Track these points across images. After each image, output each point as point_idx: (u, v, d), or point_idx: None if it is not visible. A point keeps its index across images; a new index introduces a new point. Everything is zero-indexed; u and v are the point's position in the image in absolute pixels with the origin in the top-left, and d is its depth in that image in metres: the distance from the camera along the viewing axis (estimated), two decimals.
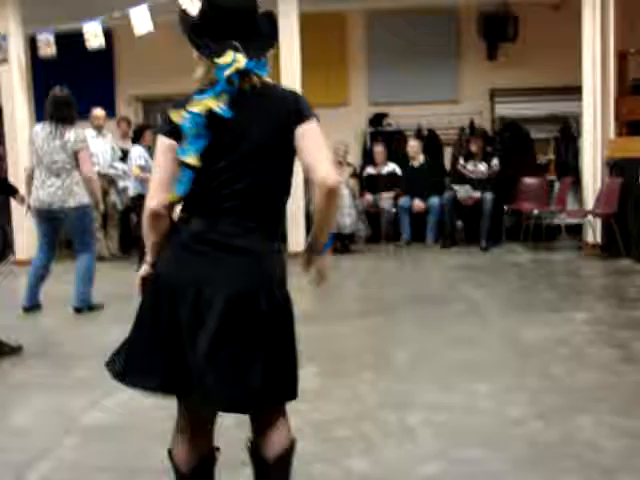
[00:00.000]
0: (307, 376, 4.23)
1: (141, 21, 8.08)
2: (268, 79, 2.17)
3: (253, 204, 2.12)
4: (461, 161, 9.53)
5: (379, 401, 3.81)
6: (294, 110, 2.12)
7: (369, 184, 9.91)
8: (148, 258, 2.20)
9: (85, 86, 10.56)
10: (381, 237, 9.67)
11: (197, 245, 2.10)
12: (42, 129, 6.16)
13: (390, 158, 9.93)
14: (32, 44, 9.15)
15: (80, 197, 6.07)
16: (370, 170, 10.01)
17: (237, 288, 2.06)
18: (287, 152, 2.15)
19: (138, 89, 11.10)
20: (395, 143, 10.24)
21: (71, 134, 6.04)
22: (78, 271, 6.24)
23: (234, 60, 2.06)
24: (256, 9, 2.18)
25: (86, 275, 6.28)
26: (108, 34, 8.70)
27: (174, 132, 2.09)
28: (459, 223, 9.63)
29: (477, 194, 9.14)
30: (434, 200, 9.42)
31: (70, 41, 8.55)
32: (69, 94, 6.21)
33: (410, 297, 6.42)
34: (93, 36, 8.35)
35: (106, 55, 9.90)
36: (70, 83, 10.61)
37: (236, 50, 2.07)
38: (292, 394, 2.21)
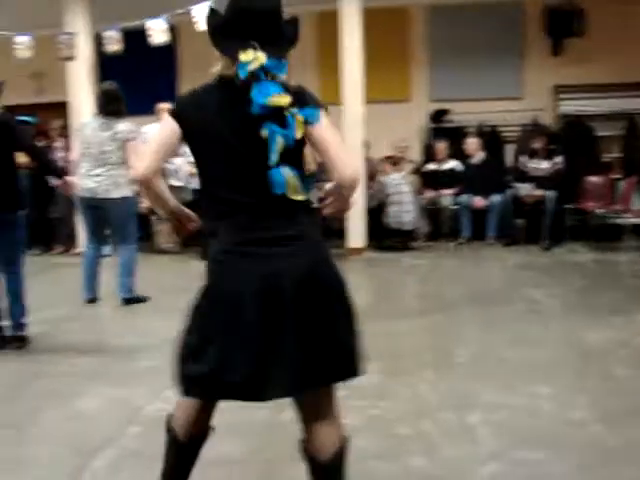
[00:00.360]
0: (367, 373, 4.25)
1: (203, 17, 8.16)
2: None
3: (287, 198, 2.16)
4: (523, 159, 9.38)
5: (439, 400, 3.79)
6: None
7: (429, 180, 9.83)
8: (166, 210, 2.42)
9: (148, 81, 10.77)
10: (441, 234, 9.59)
11: (246, 248, 2.17)
12: (91, 121, 6.32)
13: (452, 155, 9.83)
14: (98, 40, 9.33)
15: (124, 189, 6.17)
16: (431, 166, 9.94)
17: (301, 273, 2.16)
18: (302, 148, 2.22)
19: (200, 84, 11.21)
20: (456, 140, 10.12)
21: (121, 125, 6.15)
22: (120, 263, 6.38)
23: (255, 58, 2.13)
24: (280, 12, 2.26)
25: (127, 267, 6.38)
26: (171, 30, 8.80)
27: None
28: (520, 221, 9.47)
29: (539, 192, 8.99)
30: (495, 198, 9.29)
31: (134, 37, 8.72)
32: (118, 88, 6.34)
33: (470, 296, 6.35)
34: (158, 32, 8.48)
35: (169, 51, 10.01)
36: (134, 78, 10.86)
37: (255, 49, 2.14)
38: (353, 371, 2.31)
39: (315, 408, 2.29)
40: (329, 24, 9.69)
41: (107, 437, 3.38)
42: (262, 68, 2.13)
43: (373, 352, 4.66)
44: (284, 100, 2.12)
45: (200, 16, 8.07)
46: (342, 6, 8.66)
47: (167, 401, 3.82)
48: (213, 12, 2.27)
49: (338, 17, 8.68)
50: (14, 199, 5.07)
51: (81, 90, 9.27)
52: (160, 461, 3.10)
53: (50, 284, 7.45)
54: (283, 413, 3.20)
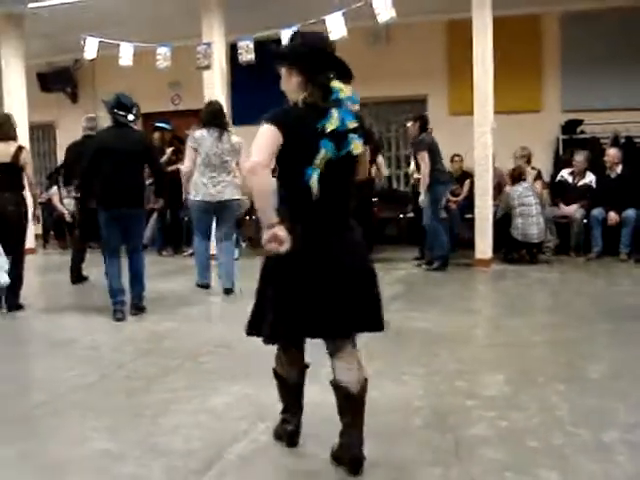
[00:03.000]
0: (496, 384, 4.19)
1: (336, 27, 8.30)
2: None
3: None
4: None
5: (571, 414, 3.66)
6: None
7: (561, 193, 9.55)
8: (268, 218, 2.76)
9: (279, 89, 11.01)
10: (570, 248, 9.29)
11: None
12: (207, 134, 6.93)
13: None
14: (233, 50, 9.63)
15: (239, 191, 7.15)
16: (565, 179, 9.64)
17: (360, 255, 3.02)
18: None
19: None
20: (590, 151, 9.76)
21: (234, 137, 7.06)
22: (228, 255, 7.19)
23: (341, 88, 2.91)
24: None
25: (233, 259, 7.30)
26: None
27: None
28: None
29: None
30: (630, 212, 8.91)
31: (266, 47, 8.93)
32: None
33: (602, 311, 6.12)
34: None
35: None
36: (265, 87, 11.12)
37: (335, 80, 2.94)
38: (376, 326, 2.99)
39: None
40: (458, 33, 9.63)
41: (239, 432, 3.48)
42: (347, 98, 2.91)
43: (503, 363, 4.63)
44: (353, 126, 2.90)
45: (332, 26, 8.21)
46: (473, 15, 8.57)
47: None
48: (301, 45, 3.00)
49: (469, 26, 8.58)
50: (142, 198, 6.42)
51: (216, 98, 9.56)
52: (290, 457, 3.18)
53: (184, 282, 7.79)
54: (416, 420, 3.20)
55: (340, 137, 2.87)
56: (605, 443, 3.27)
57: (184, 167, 7.15)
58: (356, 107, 2.95)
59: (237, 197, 7.14)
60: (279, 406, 3.35)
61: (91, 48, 9.40)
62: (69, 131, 10.07)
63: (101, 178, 6.19)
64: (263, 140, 2.82)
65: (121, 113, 6.26)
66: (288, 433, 3.27)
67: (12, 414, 3.88)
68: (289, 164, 2.90)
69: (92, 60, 9.82)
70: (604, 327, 5.56)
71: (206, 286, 7.32)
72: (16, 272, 6.32)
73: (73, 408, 3.96)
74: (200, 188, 6.92)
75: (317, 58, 2.95)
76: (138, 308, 6.41)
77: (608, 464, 3.07)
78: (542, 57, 10.56)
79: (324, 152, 2.81)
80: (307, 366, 3.25)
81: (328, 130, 2.83)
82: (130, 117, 6.31)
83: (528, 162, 9.60)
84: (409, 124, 8.98)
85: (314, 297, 2.84)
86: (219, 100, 7.37)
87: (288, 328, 2.91)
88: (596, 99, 10.07)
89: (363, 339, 3.07)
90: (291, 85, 3.03)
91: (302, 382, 3.25)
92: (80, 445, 3.39)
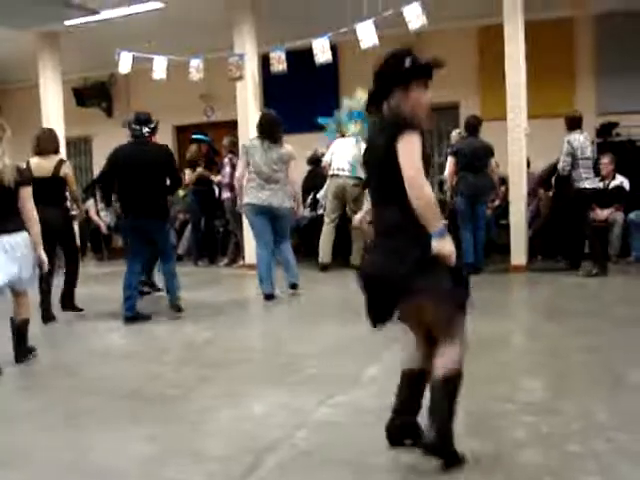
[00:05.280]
0: (533, 389, 4.16)
1: (367, 35, 8.33)
2: None
3: None
4: None
5: (611, 419, 3.62)
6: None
7: (595, 198, 9.43)
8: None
9: (310, 99, 11.07)
10: (609, 254, 9.16)
11: None
12: (260, 144, 7.24)
13: (621, 170, 9.38)
14: (264, 61, 9.70)
15: (290, 200, 7.42)
16: (596, 185, 9.52)
17: None
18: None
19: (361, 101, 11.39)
20: (625, 154, 9.64)
21: (285, 148, 7.36)
22: (288, 256, 7.49)
23: None
24: None
25: (293, 258, 7.54)
26: (333, 49, 9.01)
27: None
28: None
29: None
30: None
31: (297, 57, 9.00)
32: (278, 115, 7.46)
33: None
34: (321, 51, 8.72)
35: (331, 69, 10.18)
36: (296, 97, 11.20)
37: None
38: None
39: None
40: (490, 39, 9.60)
41: (277, 438, 3.49)
42: None
43: (542, 369, 4.58)
44: None
45: (363, 34, 8.23)
46: (505, 20, 8.53)
47: (334, 407, 3.93)
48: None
49: (500, 32, 8.55)
50: (161, 208, 6.70)
51: (249, 109, 9.66)
52: (329, 464, 3.18)
53: (221, 292, 7.85)
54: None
55: None
56: None
57: (236, 175, 7.57)
58: None
59: (287, 205, 7.37)
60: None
61: (125, 63, 9.54)
62: (105, 145, 10.14)
63: (119, 190, 6.67)
64: (416, 148, 2.87)
65: (136, 127, 6.64)
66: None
67: (53, 423, 3.95)
68: None
69: (126, 74, 9.96)
70: None
71: (269, 297, 7.30)
72: (70, 279, 6.98)
73: (115, 415, 4.02)
74: (250, 193, 7.28)
75: (411, 75, 3.08)
76: (174, 307, 6.82)
77: None
78: (575, 60, 10.47)
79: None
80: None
81: None
82: (144, 130, 6.65)
83: None
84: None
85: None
86: (271, 112, 7.58)
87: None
88: (631, 101, 9.94)
89: None
90: None
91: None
92: (123, 451, 3.44)
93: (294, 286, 7.52)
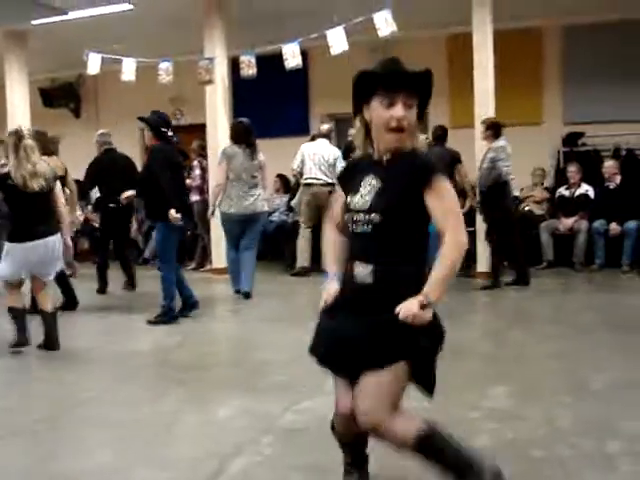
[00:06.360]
0: (499, 395, 4.19)
1: (337, 41, 8.34)
2: None
3: None
4: None
5: (574, 425, 3.66)
6: None
7: (561, 206, 9.57)
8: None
9: (280, 104, 11.06)
10: (573, 261, 9.28)
11: None
12: (238, 151, 7.40)
13: (585, 179, 9.53)
14: (234, 65, 9.67)
15: (267, 205, 7.72)
16: (562, 191, 9.68)
17: None
18: None
19: (330, 107, 11.41)
20: (591, 164, 9.79)
21: (260, 155, 7.63)
22: (250, 265, 7.59)
23: None
24: None
25: (253, 266, 7.65)
26: (304, 54, 9.01)
27: None
28: None
29: None
30: (631, 224, 8.92)
31: (267, 62, 8.99)
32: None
33: (606, 322, 6.13)
34: (291, 56, 8.72)
35: (300, 74, 10.15)
36: (266, 101, 11.18)
37: None
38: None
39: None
40: (459, 47, 9.68)
41: (242, 443, 3.47)
42: None
43: (507, 375, 4.62)
44: None
45: (334, 40, 8.24)
46: (474, 29, 8.62)
47: (299, 413, 3.92)
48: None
49: (470, 39, 8.63)
50: (154, 210, 6.59)
51: (218, 113, 9.63)
52: (294, 470, 3.17)
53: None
54: None
55: None
56: (608, 454, 3.26)
57: (218, 181, 7.62)
58: None
59: (265, 209, 7.80)
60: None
61: (94, 64, 9.44)
62: (72, 146, 10.09)
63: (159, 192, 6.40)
64: (454, 200, 2.50)
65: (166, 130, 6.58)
66: None
67: (15, 428, 3.89)
68: (423, 223, 2.54)
69: (95, 76, 9.87)
70: (607, 338, 5.57)
71: (238, 292, 7.68)
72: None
73: (78, 421, 3.97)
74: (234, 201, 7.44)
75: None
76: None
77: (611, 474, 3.06)
78: (543, 70, 10.61)
79: None
80: None
81: None
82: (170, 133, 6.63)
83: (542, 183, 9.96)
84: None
85: None
86: (245, 120, 7.77)
87: None
88: (597, 112, 10.11)
89: None
90: (413, 121, 2.57)
91: None
92: (88, 457, 3.39)
93: (247, 295, 7.56)
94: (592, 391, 4.26)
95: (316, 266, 9.17)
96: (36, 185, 5.37)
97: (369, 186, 2.55)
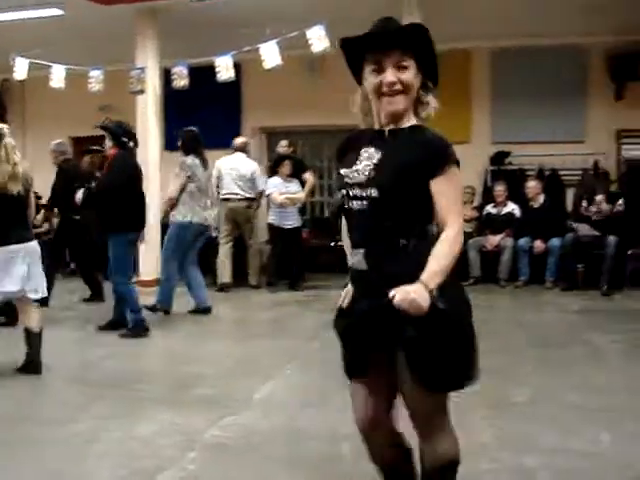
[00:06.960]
0: None
1: (270, 55, 8.37)
2: None
3: None
4: (584, 203, 9.28)
5: (496, 440, 3.74)
6: None
7: (488, 224, 9.79)
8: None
9: (213, 116, 11.00)
10: (498, 278, 9.48)
11: None
12: (200, 163, 7.28)
13: (511, 197, 9.78)
14: (166, 76, 9.59)
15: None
16: (490, 209, 9.90)
17: None
18: None
19: (263, 121, 11.42)
20: (516, 183, 10.05)
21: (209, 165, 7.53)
22: (201, 278, 7.52)
23: None
24: None
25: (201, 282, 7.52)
26: (237, 67, 9.00)
27: None
28: (580, 266, 9.31)
29: (597, 233, 8.91)
30: (554, 241, 9.19)
31: (200, 73, 8.95)
32: None
33: (528, 338, 6.29)
34: (224, 69, 8.70)
35: (234, 87, 10.14)
36: (199, 113, 11.09)
37: None
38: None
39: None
40: None
41: (165, 460, 3.43)
42: None
43: None
44: None
45: (267, 54, 8.26)
46: None
47: (223, 428, 3.89)
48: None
49: None
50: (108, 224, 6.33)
51: (149, 123, 9.53)
52: None
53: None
54: None
55: None
56: (527, 468, 3.34)
57: (172, 193, 7.30)
58: None
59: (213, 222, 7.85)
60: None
61: (21, 69, 9.23)
62: None
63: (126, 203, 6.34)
64: (461, 191, 2.44)
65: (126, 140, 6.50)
66: None
67: None
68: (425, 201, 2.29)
69: (22, 81, 9.64)
70: (529, 354, 5.71)
71: (168, 311, 7.38)
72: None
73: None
74: (197, 212, 7.24)
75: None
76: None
77: None
78: (472, 90, 10.86)
79: None
80: None
81: None
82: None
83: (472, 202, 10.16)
84: None
85: None
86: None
87: None
88: (523, 132, 10.41)
89: None
90: (410, 81, 2.38)
91: None
92: (3, 477, 3.29)
93: (207, 310, 7.44)
94: (513, 405, 4.35)
95: (236, 282, 9.15)
96: (15, 188, 4.97)
97: (368, 159, 2.32)
